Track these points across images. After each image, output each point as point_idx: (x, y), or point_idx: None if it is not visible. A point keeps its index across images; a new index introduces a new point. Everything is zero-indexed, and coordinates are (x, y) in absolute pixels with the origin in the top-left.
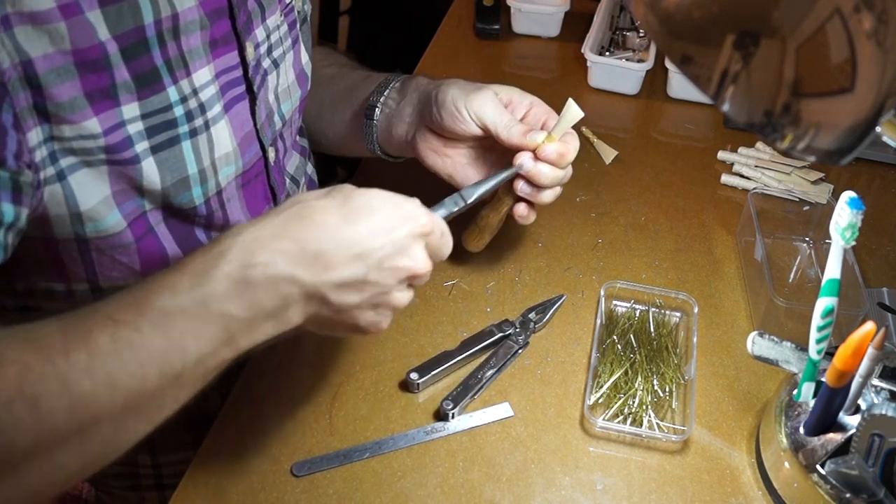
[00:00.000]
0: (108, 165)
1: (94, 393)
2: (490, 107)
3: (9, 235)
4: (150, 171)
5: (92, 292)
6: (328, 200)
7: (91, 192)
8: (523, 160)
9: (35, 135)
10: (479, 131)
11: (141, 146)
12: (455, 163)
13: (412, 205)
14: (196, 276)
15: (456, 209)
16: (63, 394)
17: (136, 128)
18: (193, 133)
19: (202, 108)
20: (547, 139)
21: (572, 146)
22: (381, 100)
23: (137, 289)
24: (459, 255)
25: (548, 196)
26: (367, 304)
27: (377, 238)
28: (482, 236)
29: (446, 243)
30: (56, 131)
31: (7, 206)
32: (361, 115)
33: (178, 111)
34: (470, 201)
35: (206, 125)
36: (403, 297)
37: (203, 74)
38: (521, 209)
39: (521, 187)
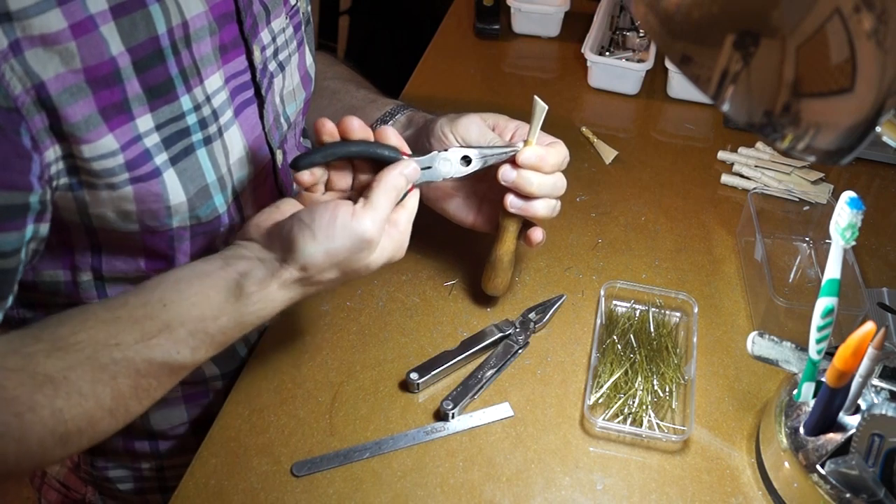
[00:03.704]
0: (132, 185)
1: (114, 423)
2: (475, 128)
3: (30, 245)
4: (173, 184)
5: (95, 284)
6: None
7: (105, 209)
8: (503, 171)
9: (52, 152)
10: None
11: (160, 158)
12: (445, 194)
13: (402, 251)
14: (215, 346)
15: (432, 182)
16: (88, 429)
17: (152, 140)
18: (208, 140)
19: (215, 115)
20: (525, 145)
21: (554, 151)
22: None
23: (164, 339)
24: (459, 255)
25: (541, 207)
26: (343, 280)
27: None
28: (496, 275)
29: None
30: (75, 152)
31: (30, 227)
32: None
33: (191, 119)
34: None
35: (220, 132)
36: (376, 260)
37: (214, 81)
38: (535, 234)
39: (511, 201)
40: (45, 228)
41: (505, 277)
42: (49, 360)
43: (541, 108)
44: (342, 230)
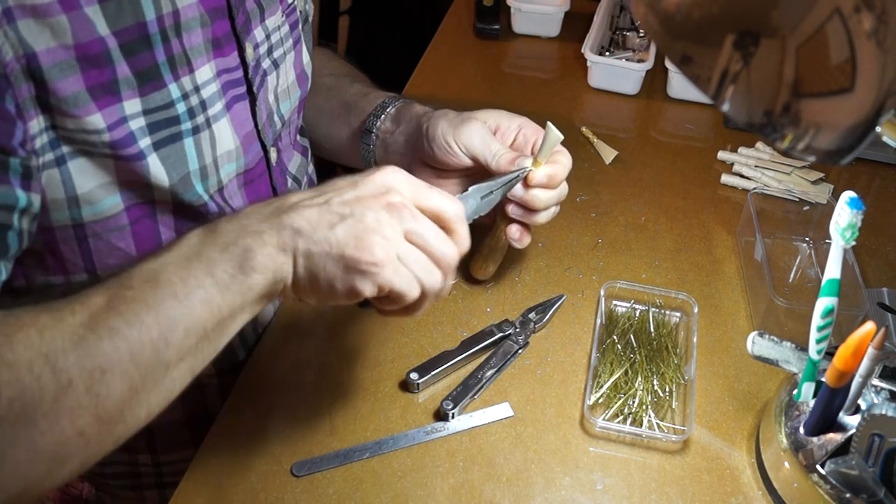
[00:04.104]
0: (114, 161)
1: (99, 344)
2: (478, 137)
3: (24, 220)
4: (157, 168)
5: (90, 285)
6: (310, 190)
7: (89, 176)
8: (514, 189)
9: (36, 123)
10: (470, 162)
11: (144, 142)
12: (448, 192)
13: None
14: (173, 241)
15: None
16: (72, 348)
17: (138, 123)
18: (196, 130)
19: (203, 106)
20: (534, 164)
21: (562, 165)
22: (378, 124)
23: (126, 264)
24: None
25: (542, 217)
26: (341, 228)
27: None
28: (486, 264)
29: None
30: (59, 122)
31: (20, 192)
32: (358, 135)
33: (181, 108)
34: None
35: (208, 122)
36: (384, 220)
37: (204, 72)
38: (512, 230)
39: (511, 210)
40: (36, 200)
41: (495, 266)
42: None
43: (555, 136)
44: None
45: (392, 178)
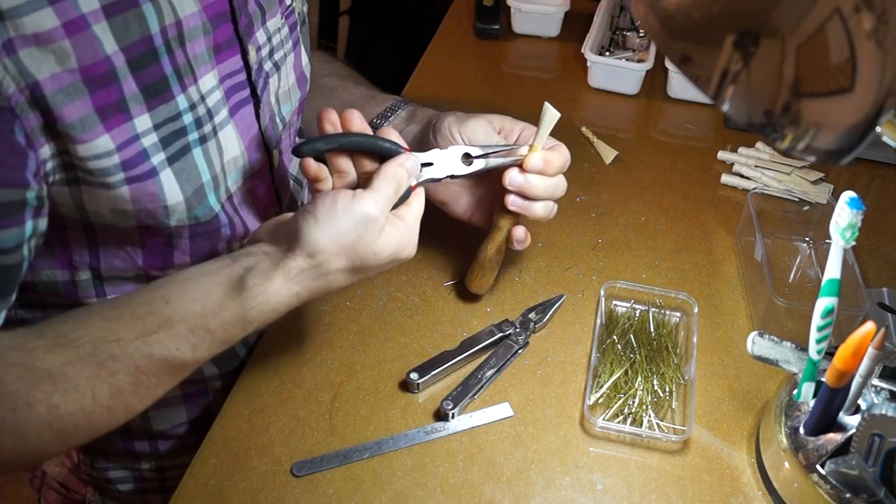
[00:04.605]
0: (128, 185)
1: (114, 420)
2: (482, 131)
3: (31, 242)
4: (170, 184)
5: (94, 282)
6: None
7: (102, 203)
8: (511, 175)
9: (47, 149)
10: None
11: (157, 158)
12: (448, 189)
13: (411, 248)
14: (217, 344)
15: (435, 180)
16: (86, 425)
17: (150, 140)
18: (203, 140)
19: (210, 114)
20: (531, 150)
21: (559, 154)
22: (385, 125)
23: (164, 336)
24: (460, 256)
25: (540, 209)
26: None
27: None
28: (484, 273)
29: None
30: (70, 150)
31: (30, 223)
32: None
33: (188, 118)
34: (447, 175)
35: (214, 131)
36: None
37: (209, 80)
38: (518, 232)
39: (512, 200)
40: (43, 223)
41: (492, 276)
42: (48, 356)
43: (552, 115)
44: (344, 211)
45: (404, 249)
